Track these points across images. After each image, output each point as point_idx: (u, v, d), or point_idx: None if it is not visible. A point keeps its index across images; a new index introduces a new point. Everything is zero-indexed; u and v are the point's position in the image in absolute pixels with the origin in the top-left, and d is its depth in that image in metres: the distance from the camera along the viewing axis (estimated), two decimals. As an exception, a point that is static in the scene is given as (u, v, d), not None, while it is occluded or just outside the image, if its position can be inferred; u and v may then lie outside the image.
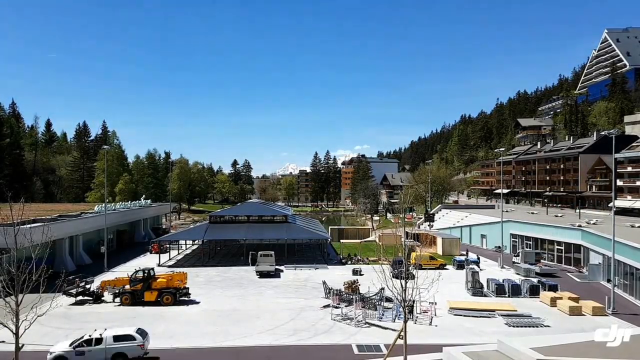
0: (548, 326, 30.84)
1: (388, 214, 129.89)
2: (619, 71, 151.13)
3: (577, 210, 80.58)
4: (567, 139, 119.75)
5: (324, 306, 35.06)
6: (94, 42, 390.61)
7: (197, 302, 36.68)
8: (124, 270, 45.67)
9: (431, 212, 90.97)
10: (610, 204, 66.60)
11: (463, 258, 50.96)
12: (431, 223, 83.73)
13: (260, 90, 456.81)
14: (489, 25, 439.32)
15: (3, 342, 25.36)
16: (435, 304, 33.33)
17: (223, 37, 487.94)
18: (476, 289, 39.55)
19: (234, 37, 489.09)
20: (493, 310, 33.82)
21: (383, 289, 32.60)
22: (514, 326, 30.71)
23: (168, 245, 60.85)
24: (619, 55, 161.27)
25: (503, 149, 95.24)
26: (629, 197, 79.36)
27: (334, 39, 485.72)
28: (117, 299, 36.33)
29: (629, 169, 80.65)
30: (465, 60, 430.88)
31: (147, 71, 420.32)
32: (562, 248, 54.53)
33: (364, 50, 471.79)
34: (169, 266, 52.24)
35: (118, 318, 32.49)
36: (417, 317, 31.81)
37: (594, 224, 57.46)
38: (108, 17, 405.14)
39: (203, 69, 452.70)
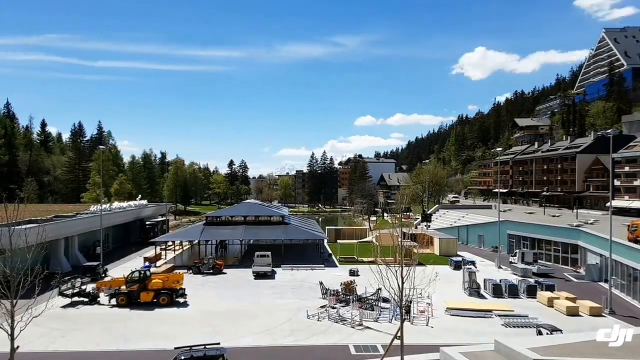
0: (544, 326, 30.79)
1: (385, 214, 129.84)
2: (616, 71, 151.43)
3: (575, 210, 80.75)
4: (564, 139, 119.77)
5: (321, 307, 34.97)
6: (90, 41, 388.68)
7: (194, 303, 36.53)
8: (120, 271, 45.47)
9: (428, 212, 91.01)
10: (608, 204, 66.76)
11: (460, 258, 50.92)
12: (428, 223, 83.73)
13: (258, 89, 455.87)
14: (487, 25, 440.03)
15: None
16: (432, 304, 33.33)
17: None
18: (473, 289, 39.54)
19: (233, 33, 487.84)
20: (490, 311, 33.81)
21: (380, 289, 32.53)
22: (511, 326, 30.73)
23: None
24: (616, 55, 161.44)
25: (500, 149, 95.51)
26: (626, 197, 79.58)
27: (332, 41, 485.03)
28: (113, 300, 36.15)
29: (627, 168, 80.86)
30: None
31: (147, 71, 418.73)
32: (560, 248, 54.54)
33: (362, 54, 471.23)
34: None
35: (114, 319, 32.40)
36: (414, 318, 31.80)
37: (591, 224, 57.54)
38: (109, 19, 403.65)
39: (201, 69, 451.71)
